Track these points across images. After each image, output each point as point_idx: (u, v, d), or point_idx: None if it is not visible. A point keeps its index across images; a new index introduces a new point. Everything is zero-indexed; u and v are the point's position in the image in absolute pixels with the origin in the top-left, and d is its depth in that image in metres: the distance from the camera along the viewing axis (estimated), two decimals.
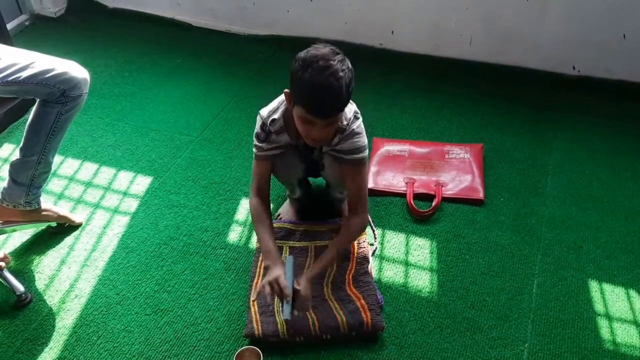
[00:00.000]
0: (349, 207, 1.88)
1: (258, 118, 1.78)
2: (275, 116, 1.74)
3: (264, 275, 1.76)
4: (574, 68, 2.64)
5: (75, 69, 1.81)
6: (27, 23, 3.30)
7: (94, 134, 2.54)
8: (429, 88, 2.73)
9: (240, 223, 2.11)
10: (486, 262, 1.93)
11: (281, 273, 1.65)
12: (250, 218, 2.10)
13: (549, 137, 2.43)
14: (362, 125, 1.75)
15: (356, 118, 1.74)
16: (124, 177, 2.31)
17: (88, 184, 2.29)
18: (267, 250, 1.74)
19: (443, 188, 2.16)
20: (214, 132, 2.53)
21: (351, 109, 1.72)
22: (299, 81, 1.51)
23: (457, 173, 2.21)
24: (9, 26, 3.03)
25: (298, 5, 2.90)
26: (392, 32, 2.83)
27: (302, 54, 1.53)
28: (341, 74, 1.49)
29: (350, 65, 1.54)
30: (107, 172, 2.34)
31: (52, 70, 1.74)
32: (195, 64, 2.98)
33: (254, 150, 1.80)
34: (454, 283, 1.87)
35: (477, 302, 1.80)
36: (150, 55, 3.05)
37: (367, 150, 1.77)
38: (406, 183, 2.19)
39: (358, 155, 1.74)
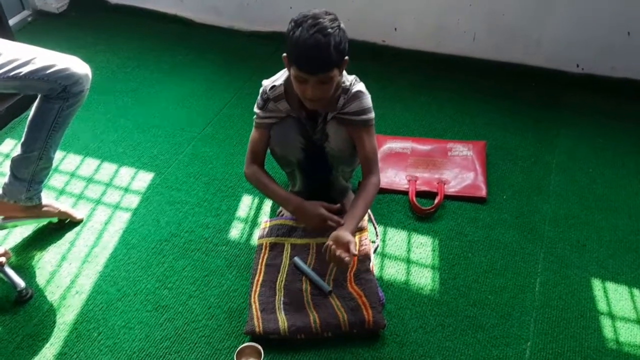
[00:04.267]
0: (363, 170, 1.87)
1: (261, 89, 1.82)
2: (277, 83, 1.78)
3: (267, 266, 1.82)
4: (578, 66, 2.62)
5: (76, 65, 1.81)
6: (29, 19, 3.30)
7: (95, 130, 2.53)
8: (432, 85, 2.72)
9: (242, 220, 2.10)
10: (489, 260, 1.92)
11: (320, 208, 1.83)
12: (250, 216, 2.11)
13: (552, 136, 2.41)
14: (365, 89, 1.79)
15: (357, 81, 1.79)
16: (126, 173, 2.31)
17: (89, 180, 2.28)
18: (285, 197, 1.87)
19: (445, 186, 2.15)
20: (216, 129, 2.52)
21: (350, 78, 1.78)
22: (290, 40, 1.59)
23: (460, 171, 2.20)
24: (12, 22, 3.03)
25: (300, 2, 2.88)
26: (395, 28, 2.82)
27: (295, 16, 1.61)
28: (330, 30, 1.55)
29: (342, 26, 1.61)
30: (108, 168, 2.33)
31: (53, 65, 1.74)
32: (197, 60, 2.97)
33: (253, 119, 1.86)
34: (456, 281, 1.86)
35: (479, 301, 1.79)
36: (153, 51, 3.04)
37: (374, 113, 1.81)
38: (408, 180, 2.18)
39: (366, 116, 1.79)
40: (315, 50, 1.55)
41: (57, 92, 1.78)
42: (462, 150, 2.28)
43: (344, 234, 1.70)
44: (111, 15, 3.34)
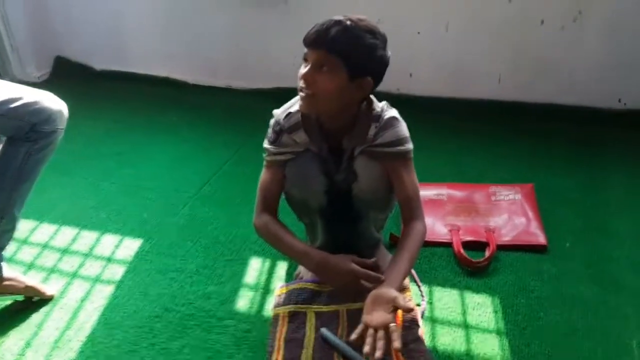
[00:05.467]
0: (403, 214, 1.51)
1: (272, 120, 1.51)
2: (292, 110, 1.47)
3: (287, 342, 1.39)
4: (620, 101, 2.36)
5: (48, 99, 1.50)
6: None
7: (74, 196, 2.18)
8: (458, 130, 2.43)
9: (251, 287, 1.71)
10: (566, 320, 1.53)
11: (350, 263, 1.43)
12: (260, 281, 1.73)
13: (604, 175, 2.10)
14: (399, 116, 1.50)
15: (389, 107, 1.50)
16: (109, 241, 1.93)
17: (65, 251, 1.90)
18: (304, 251, 1.48)
19: (495, 234, 1.79)
20: (216, 188, 2.18)
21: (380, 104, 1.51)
22: None
23: (510, 216, 1.86)
24: None
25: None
26: (410, 74, 2.57)
27: None
28: (354, 25, 1.33)
29: (378, 42, 1.36)
30: (88, 237, 1.96)
31: (20, 99, 1.43)
32: (193, 120, 2.69)
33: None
34: (531, 348, 1.45)
35: None
36: (142, 114, 2.76)
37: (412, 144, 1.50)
38: (449, 230, 1.82)
39: (404, 147, 1.47)
40: (326, 24, 1.34)
41: (24, 131, 1.46)
42: (507, 194, 1.95)
43: (387, 290, 1.32)
44: (97, 82, 3.10)
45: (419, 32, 2.47)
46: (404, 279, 1.41)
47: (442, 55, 2.50)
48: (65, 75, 3.14)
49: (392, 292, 1.31)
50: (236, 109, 2.75)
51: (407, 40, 2.48)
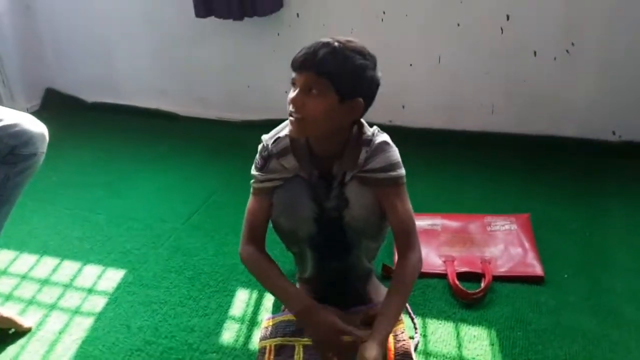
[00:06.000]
0: (397, 244, 1.45)
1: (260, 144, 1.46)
2: (282, 134, 1.43)
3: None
4: (614, 134, 2.33)
5: (29, 121, 1.45)
6: None
7: (58, 225, 2.11)
8: (453, 161, 2.38)
9: (237, 319, 1.63)
10: (566, 353, 1.45)
11: (334, 317, 1.35)
12: (247, 312, 1.65)
13: (603, 206, 2.05)
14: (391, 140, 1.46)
15: (380, 132, 1.45)
16: (91, 272, 1.86)
17: (44, 282, 1.83)
18: (287, 293, 1.42)
19: (491, 265, 1.73)
20: (203, 218, 2.12)
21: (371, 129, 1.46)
22: None
23: (506, 247, 1.80)
24: None
25: None
26: (403, 106, 2.55)
27: None
28: (342, 46, 1.30)
29: (367, 62, 1.32)
30: (69, 268, 1.89)
31: None
32: (182, 151, 2.64)
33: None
34: None
35: None
36: (131, 144, 2.71)
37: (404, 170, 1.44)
38: (444, 261, 1.76)
39: (396, 172, 1.42)
40: (314, 47, 1.31)
41: (3, 154, 1.41)
42: (503, 224, 1.89)
43: (369, 352, 1.24)
44: (87, 114, 3.07)
45: (411, 64, 2.46)
46: (393, 327, 1.35)
47: (434, 86, 2.48)
48: (55, 107, 3.11)
49: (372, 353, 1.24)
50: (226, 141, 2.71)
51: (400, 72, 2.47)
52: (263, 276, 1.47)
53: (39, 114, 3.07)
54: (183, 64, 2.84)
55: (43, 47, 3.05)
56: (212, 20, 2.54)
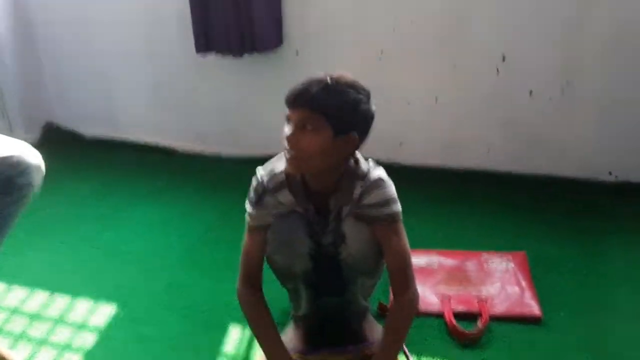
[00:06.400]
0: (392, 281, 1.43)
1: (254, 178, 1.45)
2: (277, 170, 1.42)
3: None
4: (611, 174, 2.34)
5: (26, 152, 1.45)
6: None
7: (51, 259, 2.09)
8: (449, 199, 2.38)
9: (230, 357, 1.61)
10: None
11: None
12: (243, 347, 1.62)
13: (600, 245, 2.03)
14: (386, 176, 1.44)
15: (376, 166, 1.45)
16: (82, 307, 1.83)
17: (35, 317, 1.80)
18: (272, 348, 1.40)
19: (488, 304, 1.71)
20: (199, 254, 2.10)
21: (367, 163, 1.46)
22: None
23: (502, 285, 1.78)
24: None
25: None
26: (401, 144, 2.56)
27: None
28: (336, 82, 1.31)
29: (363, 97, 1.33)
30: (61, 302, 1.86)
31: None
32: (179, 186, 2.63)
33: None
34: None
35: None
36: (128, 178, 2.70)
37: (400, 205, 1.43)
38: (441, 300, 1.74)
39: (392, 208, 1.41)
40: (307, 83, 1.31)
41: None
42: (499, 262, 1.88)
43: None
44: (86, 148, 3.06)
45: (408, 103, 2.48)
46: None
47: (432, 125, 2.50)
48: (54, 141, 3.11)
49: None
50: (224, 176, 2.71)
51: (397, 110, 2.48)
52: (253, 323, 1.47)
53: (37, 147, 3.06)
54: (182, 99, 2.86)
55: (44, 81, 3.07)
56: (212, 56, 2.57)
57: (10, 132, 3.01)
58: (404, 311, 1.40)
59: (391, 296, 1.62)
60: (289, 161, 1.36)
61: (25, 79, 3.01)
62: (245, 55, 2.52)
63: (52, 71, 3.04)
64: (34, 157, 1.46)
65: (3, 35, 2.86)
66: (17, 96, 2.99)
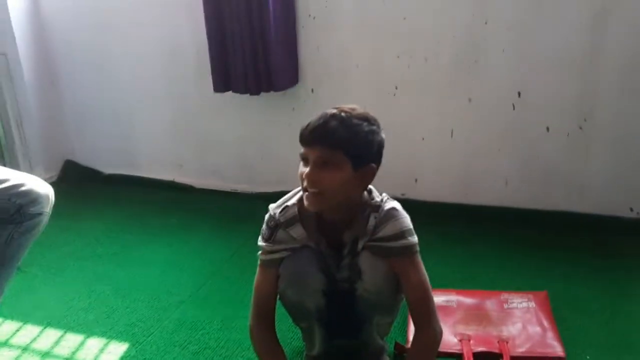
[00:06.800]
0: (413, 315, 1.40)
1: (267, 214, 1.44)
2: (289, 203, 1.41)
3: None
4: (631, 210, 2.28)
5: (35, 182, 1.47)
6: None
7: (65, 297, 2.08)
8: (466, 236, 2.34)
9: None
10: None
11: None
12: None
13: (626, 285, 1.97)
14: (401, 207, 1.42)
15: (389, 199, 1.44)
16: (94, 345, 1.80)
17: (45, 355, 1.77)
18: None
19: (509, 344, 1.65)
20: (211, 291, 2.07)
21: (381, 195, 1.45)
22: None
23: (524, 325, 1.72)
24: None
25: None
26: (416, 180, 2.53)
27: None
28: (350, 117, 1.31)
29: (375, 128, 1.34)
30: (72, 340, 1.83)
31: (6, 180, 1.40)
32: (192, 222, 2.62)
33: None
34: None
35: None
36: (143, 216, 2.71)
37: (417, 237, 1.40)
38: (460, 340, 1.68)
39: (408, 240, 1.38)
40: (322, 120, 1.31)
41: (10, 213, 1.42)
42: (520, 302, 1.83)
43: None
44: (103, 185, 3.09)
45: (423, 138, 2.47)
46: None
47: (447, 160, 2.48)
48: (73, 178, 3.15)
49: None
50: (238, 212, 2.70)
51: (412, 145, 2.48)
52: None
53: (57, 185, 3.11)
54: (200, 137, 2.89)
55: (65, 120, 3.12)
56: (229, 94, 2.60)
57: (30, 168, 3.05)
58: (429, 344, 1.37)
59: (408, 336, 1.58)
60: (309, 199, 1.34)
61: (47, 117, 3.07)
62: (262, 94, 2.54)
63: (74, 110, 3.10)
64: (43, 187, 1.47)
65: (28, 75, 2.93)
66: (39, 134, 3.04)
